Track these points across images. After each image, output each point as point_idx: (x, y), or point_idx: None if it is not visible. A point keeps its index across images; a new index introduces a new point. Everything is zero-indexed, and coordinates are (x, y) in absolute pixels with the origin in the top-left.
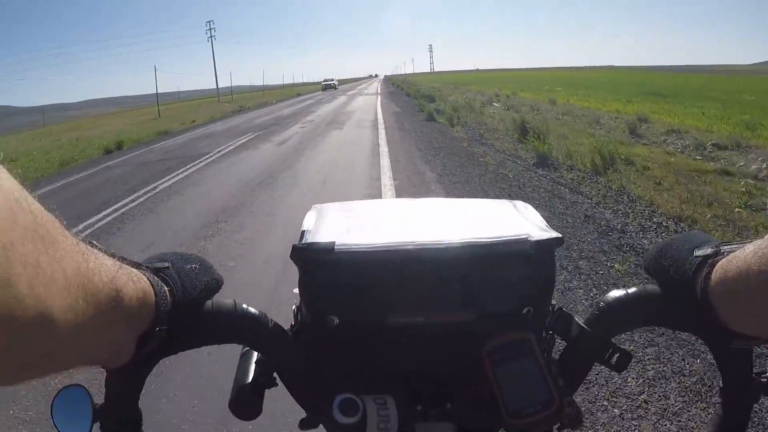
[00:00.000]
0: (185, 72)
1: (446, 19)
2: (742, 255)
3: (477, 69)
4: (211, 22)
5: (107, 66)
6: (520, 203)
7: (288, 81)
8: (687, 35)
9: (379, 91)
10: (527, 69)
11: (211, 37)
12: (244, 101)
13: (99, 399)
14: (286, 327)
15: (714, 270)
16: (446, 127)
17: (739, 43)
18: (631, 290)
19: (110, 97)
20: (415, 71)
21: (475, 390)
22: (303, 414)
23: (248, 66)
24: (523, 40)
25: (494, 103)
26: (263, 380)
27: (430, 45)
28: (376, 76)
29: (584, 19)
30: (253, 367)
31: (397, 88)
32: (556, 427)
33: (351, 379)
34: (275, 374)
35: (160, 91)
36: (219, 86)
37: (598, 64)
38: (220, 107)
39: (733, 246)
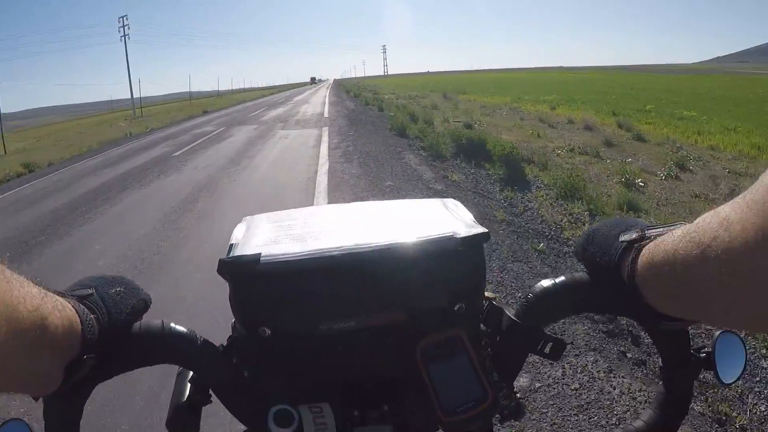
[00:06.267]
0: (93, 81)
1: (395, 20)
2: (669, 239)
3: (428, 72)
4: (125, 18)
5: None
6: (450, 201)
7: (225, 87)
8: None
9: (327, 112)
10: (476, 71)
11: (124, 35)
12: (147, 120)
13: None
14: (223, 341)
15: (641, 254)
16: None
17: (680, 42)
18: (559, 279)
19: (51, 107)
20: (367, 74)
21: (412, 391)
22: (242, 428)
23: (175, 72)
24: (471, 42)
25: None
26: (198, 398)
27: (384, 46)
28: (314, 81)
29: (527, 20)
30: (188, 385)
31: (360, 102)
32: (497, 419)
33: (286, 389)
34: (210, 390)
35: (95, 99)
36: (147, 95)
37: (547, 66)
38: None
39: (658, 230)
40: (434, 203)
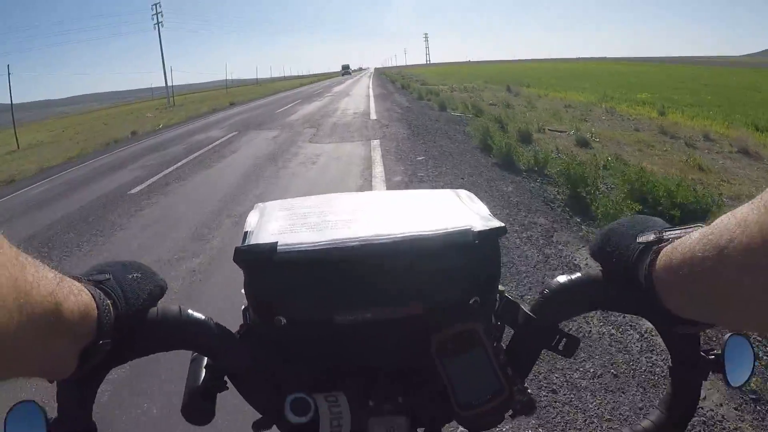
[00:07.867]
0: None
1: (436, 8)
2: (687, 242)
3: (470, 61)
4: (158, 5)
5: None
6: (463, 192)
7: (265, 75)
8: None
9: (373, 110)
10: (517, 60)
11: (157, 23)
12: (177, 110)
13: (53, 413)
14: (236, 328)
15: (658, 257)
16: None
17: (726, 35)
18: (575, 276)
19: (96, 93)
20: (408, 63)
21: (427, 383)
22: (257, 416)
23: (214, 60)
24: (513, 31)
25: None
26: (214, 384)
27: (426, 34)
28: (348, 72)
29: (561, 10)
30: (203, 371)
31: (411, 96)
32: (509, 414)
33: (302, 378)
34: (226, 377)
35: (137, 87)
36: (187, 83)
37: (587, 56)
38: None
39: (676, 232)
40: (448, 194)
